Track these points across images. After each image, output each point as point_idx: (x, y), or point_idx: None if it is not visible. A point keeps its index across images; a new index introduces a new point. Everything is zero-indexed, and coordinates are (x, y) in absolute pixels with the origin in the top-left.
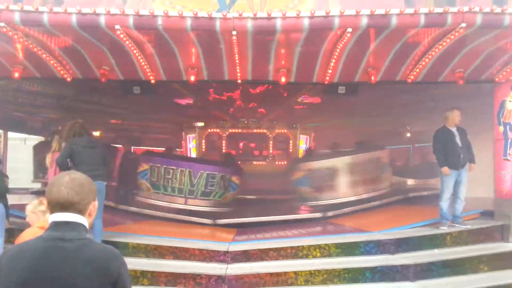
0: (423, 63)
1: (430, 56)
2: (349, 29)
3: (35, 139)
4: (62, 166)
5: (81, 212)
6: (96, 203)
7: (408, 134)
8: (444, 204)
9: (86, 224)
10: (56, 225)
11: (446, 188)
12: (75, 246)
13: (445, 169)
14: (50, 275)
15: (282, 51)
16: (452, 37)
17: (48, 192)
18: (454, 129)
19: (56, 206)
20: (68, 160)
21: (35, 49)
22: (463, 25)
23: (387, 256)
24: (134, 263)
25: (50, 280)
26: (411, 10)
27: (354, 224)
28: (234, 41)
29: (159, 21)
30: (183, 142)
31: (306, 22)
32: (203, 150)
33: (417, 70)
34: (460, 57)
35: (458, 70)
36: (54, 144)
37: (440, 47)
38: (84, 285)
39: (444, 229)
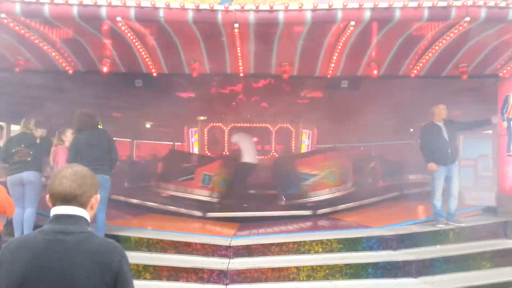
0: (427, 57)
1: (433, 51)
2: (352, 22)
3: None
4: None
5: (83, 205)
6: (98, 196)
7: (411, 129)
8: (437, 202)
9: (88, 218)
10: (57, 218)
11: (437, 185)
12: (76, 239)
13: (431, 165)
14: (50, 268)
15: (285, 44)
16: (456, 31)
17: (50, 185)
18: (441, 124)
19: (58, 199)
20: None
21: (37, 41)
22: (467, 19)
23: (390, 252)
24: (136, 257)
25: (50, 273)
26: (414, 3)
27: (356, 220)
28: (236, 34)
29: (161, 13)
30: (185, 136)
31: (308, 15)
32: (205, 144)
33: (420, 64)
34: (463, 52)
35: (462, 64)
36: (55, 138)
37: (444, 41)
38: (85, 278)
39: (441, 226)
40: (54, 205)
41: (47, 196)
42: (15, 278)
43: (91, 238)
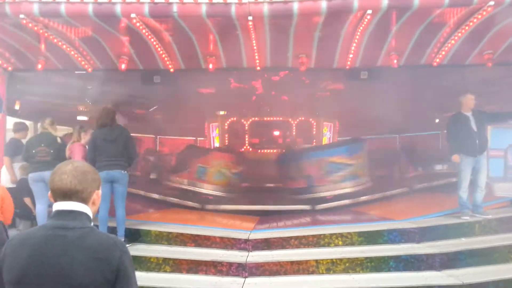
0: (449, 45)
1: (456, 38)
2: (369, 11)
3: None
4: (92, 160)
5: (84, 201)
6: (99, 192)
7: (437, 120)
8: (463, 193)
9: (90, 213)
10: (59, 213)
11: (463, 176)
12: (76, 235)
13: (455, 157)
14: (50, 263)
15: (301, 36)
16: (480, 16)
17: (51, 181)
18: (469, 114)
19: (59, 194)
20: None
21: (55, 40)
22: (491, 3)
23: (412, 244)
24: (156, 250)
25: (50, 269)
26: None
27: (377, 213)
28: (251, 26)
29: (174, 8)
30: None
31: (324, 5)
32: (226, 139)
33: (443, 52)
34: (488, 38)
35: (487, 52)
36: (74, 135)
37: (467, 27)
38: (84, 274)
39: (466, 218)
40: (55, 200)
41: (49, 192)
42: (16, 273)
43: (92, 234)
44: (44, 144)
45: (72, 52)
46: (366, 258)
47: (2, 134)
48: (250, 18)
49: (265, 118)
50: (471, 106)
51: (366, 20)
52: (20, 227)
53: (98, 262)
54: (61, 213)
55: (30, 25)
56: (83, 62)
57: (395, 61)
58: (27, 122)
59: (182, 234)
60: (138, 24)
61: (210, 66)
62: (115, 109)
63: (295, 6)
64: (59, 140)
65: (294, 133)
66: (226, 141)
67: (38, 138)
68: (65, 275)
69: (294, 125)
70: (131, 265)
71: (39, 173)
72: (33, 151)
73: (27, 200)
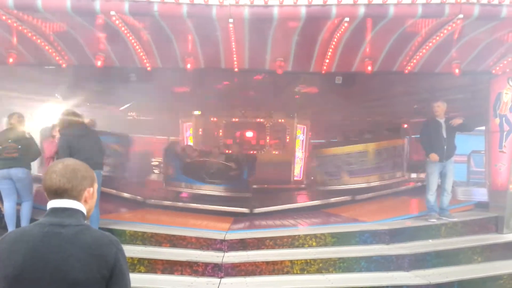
0: (420, 53)
1: (427, 47)
2: (347, 19)
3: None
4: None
5: (75, 198)
6: (91, 189)
7: (405, 125)
8: (431, 196)
9: (84, 211)
10: (53, 211)
11: (431, 180)
12: (72, 232)
13: (433, 155)
14: (46, 260)
15: (279, 39)
16: (450, 28)
17: (43, 180)
18: (442, 121)
19: (51, 193)
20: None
21: (29, 34)
22: (461, 16)
23: (383, 246)
24: (131, 250)
25: (46, 266)
26: (408, 0)
27: (349, 214)
28: (231, 28)
29: (155, 7)
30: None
31: (303, 10)
32: (200, 139)
33: (414, 60)
34: (457, 48)
35: (455, 61)
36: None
37: (438, 38)
38: (80, 270)
39: (433, 221)
40: (49, 199)
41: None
42: (12, 270)
43: (87, 231)
44: (11, 140)
45: (47, 47)
46: (339, 258)
47: None
48: (230, 20)
49: (240, 119)
50: (443, 113)
51: (343, 27)
52: None
53: (95, 259)
54: (56, 211)
55: (3, 17)
56: (57, 58)
57: (369, 67)
58: None
59: (157, 234)
60: (117, 21)
61: (188, 65)
62: (78, 111)
63: (275, 11)
64: (27, 135)
65: (267, 135)
66: (200, 141)
67: (4, 134)
68: (61, 271)
69: (268, 127)
70: (126, 263)
71: (6, 170)
72: (0, 147)
73: None
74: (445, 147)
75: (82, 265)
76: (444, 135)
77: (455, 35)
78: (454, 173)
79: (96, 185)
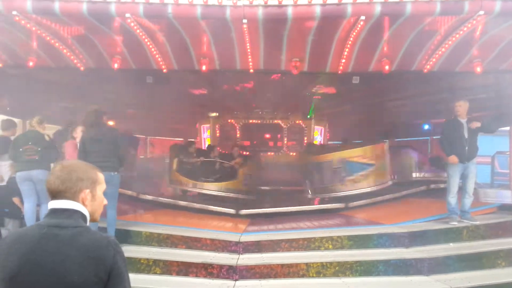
0: (440, 52)
1: (447, 45)
2: (362, 17)
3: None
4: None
5: (71, 200)
6: (87, 191)
7: (426, 126)
8: (452, 199)
9: (85, 212)
10: (53, 212)
11: (452, 182)
12: (70, 233)
13: (452, 158)
14: (43, 261)
15: (294, 39)
16: (470, 25)
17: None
18: (463, 121)
19: (50, 194)
20: None
21: (48, 38)
22: (481, 12)
23: (401, 249)
24: (147, 251)
25: (43, 267)
26: None
27: (367, 217)
28: (245, 29)
29: (169, 9)
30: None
31: (318, 10)
32: (217, 140)
33: (434, 59)
34: (478, 46)
35: (476, 59)
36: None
37: (457, 35)
38: (77, 272)
39: (454, 224)
40: (50, 199)
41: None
42: (9, 271)
43: (85, 233)
44: (31, 143)
45: (65, 50)
46: (356, 261)
47: None
48: (244, 21)
49: (257, 121)
50: (465, 113)
51: (359, 26)
52: (9, 226)
53: (92, 261)
54: (55, 212)
55: (22, 22)
56: (75, 61)
57: (387, 67)
58: (16, 120)
59: (172, 236)
60: (132, 24)
61: (204, 67)
62: (101, 109)
63: (290, 10)
64: (47, 138)
65: (285, 136)
66: (217, 143)
67: (25, 136)
68: (58, 273)
69: (285, 128)
70: (125, 265)
71: (26, 172)
72: (20, 149)
73: (16, 200)
74: (467, 148)
75: (79, 268)
76: (466, 135)
77: (475, 33)
78: (477, 175)
79: (99, 188)
